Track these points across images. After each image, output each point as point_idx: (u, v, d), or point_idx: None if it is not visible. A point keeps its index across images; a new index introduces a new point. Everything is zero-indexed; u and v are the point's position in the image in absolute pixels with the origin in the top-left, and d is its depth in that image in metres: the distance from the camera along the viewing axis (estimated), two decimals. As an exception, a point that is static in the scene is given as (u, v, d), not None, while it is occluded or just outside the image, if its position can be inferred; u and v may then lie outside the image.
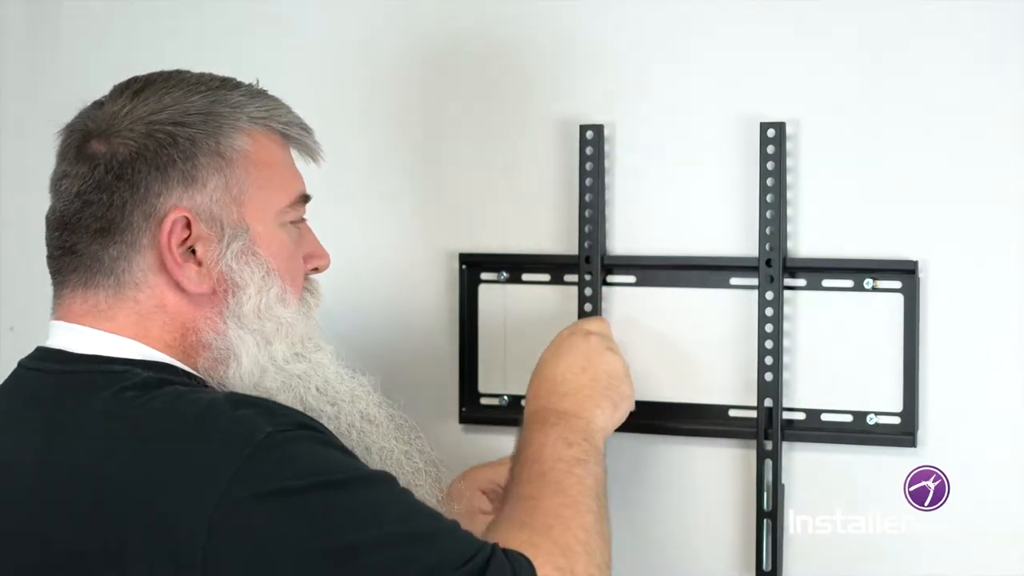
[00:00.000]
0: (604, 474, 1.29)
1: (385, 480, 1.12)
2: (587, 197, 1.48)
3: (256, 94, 1.22)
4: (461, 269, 1.55)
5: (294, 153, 1.26)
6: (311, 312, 1.25)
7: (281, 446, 1.07)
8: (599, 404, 1.35)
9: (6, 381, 1.21)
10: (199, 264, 1.17)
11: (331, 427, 1.19)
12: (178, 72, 1.20)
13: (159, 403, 1.10)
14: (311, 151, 1.27)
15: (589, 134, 1.48)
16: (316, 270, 1.27)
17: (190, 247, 1.16)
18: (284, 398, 1.19)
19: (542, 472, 1.26)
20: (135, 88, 1.18)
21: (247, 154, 1.18)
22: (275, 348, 1.19)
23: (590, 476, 1.26)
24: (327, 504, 1.06)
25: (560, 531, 1.18)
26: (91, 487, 1.07)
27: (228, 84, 1.21)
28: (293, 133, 1.24)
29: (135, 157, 1.15)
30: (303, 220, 1.25)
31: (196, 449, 1.06)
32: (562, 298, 1.51)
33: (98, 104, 1.19)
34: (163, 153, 1.15)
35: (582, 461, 1.27)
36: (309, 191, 1.26)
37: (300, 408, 1.19)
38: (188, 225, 1.16)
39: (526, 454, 1.29)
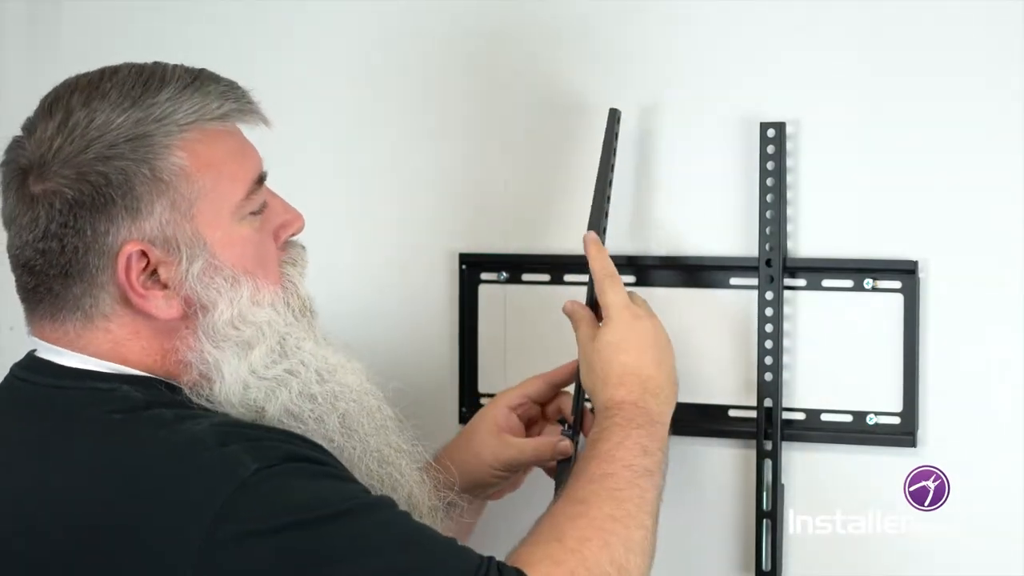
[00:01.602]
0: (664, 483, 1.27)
1: (379, 508, 1.10)
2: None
3: (184, 88, 1.15)
4: (461, 269, 1.55)
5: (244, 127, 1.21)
6: (296, 286, 1.22)
7: (267, 482, 1.05)
8: (672, 405, 1.32)
9: None
10: (164, 287, 1.15)
11: (318, 431, 1.18)
12: (100, 79, 1.15)
13: (144, 434, 1.09)
14: (258, 120, 1.21)
15: (590, 134, 1.48)
16: (292, 235, 1.23)
17: (152, 270, 1.14)
18: (272, 409, 1.17)
19: (606, 474, 1.22)
20: (60, 116, 1.13)
21: (184, 168, 1.14)
22: (255, 354, 1.17)
23: (653, 489, 1.23)
24: (314, 542, 1.04)
25: (597, 547, 1.14)
26: (74, 518, 1.06)
27: (152, 85, 1.14)
28: (232, 119, 1.18)
29: (74, 204, 1.12)
30: (264, 205, 1.20)
31: (180, 488, 1.05)
32: (562, 298, 1.51)
33: (28, 130, 1.16)
34: (100, 195, 1.12)
35: (651, 473, 1.24)
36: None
37: (287, 417, 1.17)
38: (144, 254, 1.13)
39: (600, 448, 1.24)
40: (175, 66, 1.17)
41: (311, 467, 1.09)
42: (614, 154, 1.43)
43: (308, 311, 1.23)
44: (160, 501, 1.04)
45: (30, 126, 1.16)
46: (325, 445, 1.17)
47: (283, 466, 1.07)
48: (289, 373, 1.18)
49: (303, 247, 1.25)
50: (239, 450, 1.06)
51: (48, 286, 1.15)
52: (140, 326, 1.15)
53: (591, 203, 1.41)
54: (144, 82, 1.15)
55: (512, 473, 1.42)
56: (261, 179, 1.20)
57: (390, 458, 1.24)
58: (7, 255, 1.18)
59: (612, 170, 1.43)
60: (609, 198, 1.42)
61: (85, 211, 1.12)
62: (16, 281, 1.18)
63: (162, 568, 1.02)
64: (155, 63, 1.17)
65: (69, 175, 1.12)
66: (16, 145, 1.16)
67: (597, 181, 1.41)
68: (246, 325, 1.17)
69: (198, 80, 1.16)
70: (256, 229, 1.19)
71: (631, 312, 1.33)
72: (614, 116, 1.43)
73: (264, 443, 1.09)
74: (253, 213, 1.19)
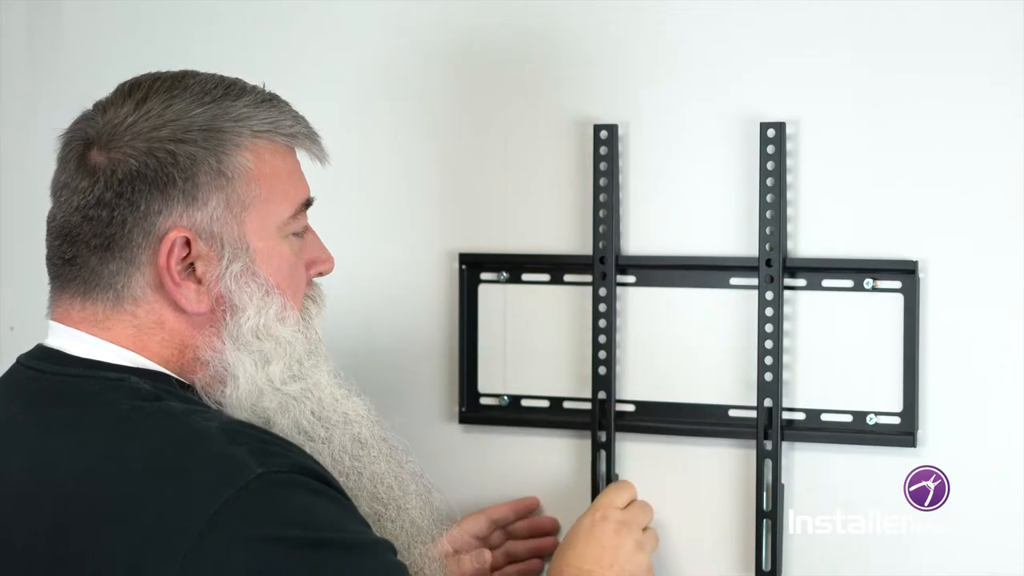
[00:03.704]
0: None
1: (377, 551, 1.09)
2: (602, 197, 1.48)
3: (262, 102, 1.19)
4: (461, 269, 1.55)
5: (301, 155, 1.24)
6: (312, 322, 1.23)
7: (269, 489, 1.04)
8: None
9: (3, 377, 1.21)
10: (198, 282, 1.16)
11: (324, 450, 1.18)
12: (183, 76, 1.18)
13: (151, 423, 1.09)
14: (317, 156, 1.25)
15: (603, 134, 1.47)
16: (320, 274, 1.26)
17: (189, 263, 1.15)
18: (282, 422, 1.18)
19: None
20: (138, 97, 1.16)
21: (248, 170, 1.17)
22: (273, 368, 1.18)
23: None
24: (303, 563, 1.03)
25: None
26: (74, 504, 1.06)
27: (233, 91, 1.18)
28: (298, 144, 1.23)
29: (135, 176, 1.14)
30: (305, 230, 1.24)
31: (180, 482, 1.04)
32: (562, 298, 1.51)
33: (100, 108, 1.17)
34: (163, 172, 1.14)
35: None
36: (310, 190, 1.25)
37: (296, 432, 1.18)
38: (188, 243, 1.15)
39: None
40: (253, 84, 1.21)
41: (315, 484, 1.08)
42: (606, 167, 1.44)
43: (320, 347, 1.24)
44: (157, 494, 1.04)
45: (104, 105, 1.18)
46: (332, 467, 1.17)
47: (288, 475, 1.06)
48: (304, 392, 1.20)
49: (323, 291, 1.27)
50: (245, 452, 1.06)
51: (85, 259, 1.15)
52: (166, 316, 1.16)
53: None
54: (226, 86, 1.18)
55: None
56: (308, 203, 1.23)
57: (395, 484, 1.24)
58: (46, 226, 1.19)
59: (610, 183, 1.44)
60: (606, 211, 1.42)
61: (144, 185, 1.14)
62: (51, 256, 1.19)
63: (149, 561, 1.01)
64: (235, 77, 1.21)
65: (139, 147, 1.14)
66: (85, 118, 1.18)
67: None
68: (268, 338, 1.18)
69: (274, 99, 1.21)
70: (295, 252, 1.22)
71: (602, 513, 1.41)
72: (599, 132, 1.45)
73: (272, 448, 1.09)
74: (295, 235, 1.21)
